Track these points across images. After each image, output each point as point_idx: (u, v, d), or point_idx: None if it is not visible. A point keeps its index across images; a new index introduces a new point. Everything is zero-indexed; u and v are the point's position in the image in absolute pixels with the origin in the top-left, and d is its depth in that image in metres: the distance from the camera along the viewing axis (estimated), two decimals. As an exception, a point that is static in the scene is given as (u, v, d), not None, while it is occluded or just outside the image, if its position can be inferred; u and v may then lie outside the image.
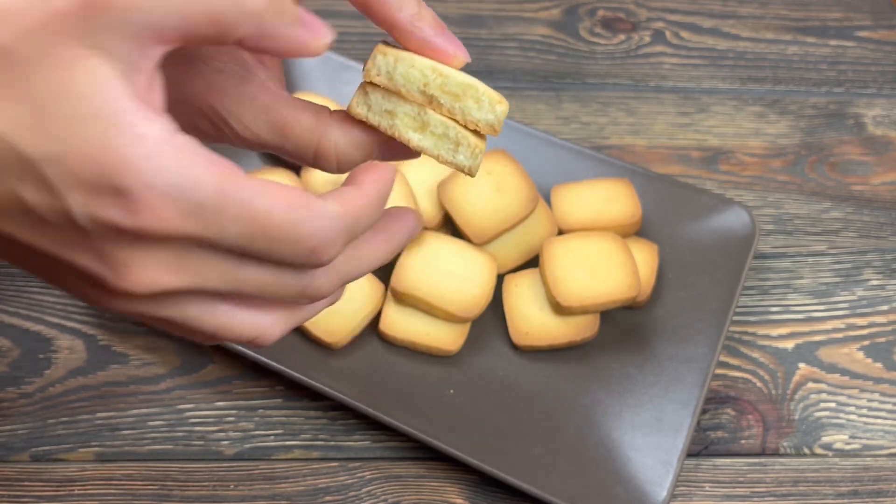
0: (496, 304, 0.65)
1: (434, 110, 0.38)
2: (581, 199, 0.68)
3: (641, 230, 0.69)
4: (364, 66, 0.38)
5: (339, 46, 0.81)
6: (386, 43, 0.38)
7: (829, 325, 0.68)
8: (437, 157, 0.38)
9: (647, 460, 0.58)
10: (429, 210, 0.67)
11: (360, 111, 0.38)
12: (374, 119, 0.38)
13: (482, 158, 0.43)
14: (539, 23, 0.87)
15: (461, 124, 0.38)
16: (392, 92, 0.38)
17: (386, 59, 0.37)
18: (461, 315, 0.62)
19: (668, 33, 0.87)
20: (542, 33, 0.86)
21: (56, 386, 0.61)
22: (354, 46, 0.82)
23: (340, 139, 0.37)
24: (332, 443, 0.60)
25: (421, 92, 0.37)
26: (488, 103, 0.38)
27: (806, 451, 0.61)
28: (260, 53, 0.33)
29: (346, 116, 0.38)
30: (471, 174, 0.39)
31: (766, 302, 0.69)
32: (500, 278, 0.66)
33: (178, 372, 0.62)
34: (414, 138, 0.38)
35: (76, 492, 0.57)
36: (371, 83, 0.38)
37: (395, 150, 0.39)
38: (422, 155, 0.39)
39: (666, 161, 0.77)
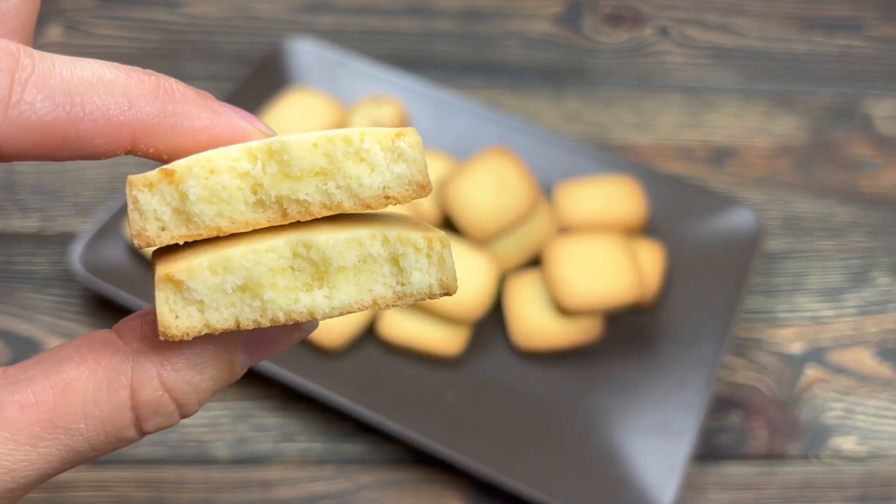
0: (497, 305, 0.64)
1: (298, 222, 0.23)
2: (585, 197, 0.67)
3: (646, 230, 0.68)
4: (129, 232, 0.22)
5: (336, 41, 0.80)
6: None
7: (837, 327, 0.67)
8: (376, 306, 0.24)
9: (652, 465, 0.57)
10: (428, 209, 0.66)
11: (189, 322, 0.22)
12: (222, 321, 0.23)
13: (451, 255, 0.25)
14: (541, 18, 0.86)
15: (359, 211, 0.23)
16: (202, 243, 0.23)
17: (158, 190, 0.22)
18: (461, 317, 0.61)
19: (673, 31, 0.86)
20: (544, 29, 0.85)
21: (48, 388, 0.60)
22: (352, 41, 0.81)
23: (175, 384, 0.24)
24: (330, 447, 0.59)
25: (256, 203, 0.23)
26: (381, 151, 0.23)
27: (813, 455, 0.60)
28: None
29: (161, 346, 0.24)
30: (449, 293, 0.24)
31: (772, 303, 0.67)
32: (502, 280, 0.65)
33: (173, 374, 0.61)
34: (320, 305, 0.23)
35: (69, 496, 0.56)
36: (165, 264, 0.23)
37: (276, 339, 0.26)
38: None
39: (671, 160, 0.76)
